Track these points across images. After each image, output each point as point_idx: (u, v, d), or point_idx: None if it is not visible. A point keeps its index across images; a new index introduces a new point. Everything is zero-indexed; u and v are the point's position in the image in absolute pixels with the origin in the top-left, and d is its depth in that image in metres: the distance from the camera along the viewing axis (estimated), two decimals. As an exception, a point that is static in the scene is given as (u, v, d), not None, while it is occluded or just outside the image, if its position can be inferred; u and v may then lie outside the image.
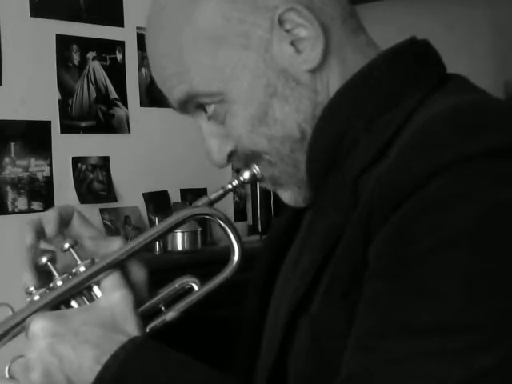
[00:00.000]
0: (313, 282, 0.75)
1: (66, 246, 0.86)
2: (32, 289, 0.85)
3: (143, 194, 3.02)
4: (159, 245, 2.82)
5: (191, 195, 3.14)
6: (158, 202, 3.05)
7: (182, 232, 2.82)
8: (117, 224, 2.88)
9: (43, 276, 0.87)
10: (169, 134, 3.07)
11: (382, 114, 0.77)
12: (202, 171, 3.12)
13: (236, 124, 0.81)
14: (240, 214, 3.24)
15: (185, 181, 3.13)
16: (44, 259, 0.86)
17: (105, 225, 2.85)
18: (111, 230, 2.82)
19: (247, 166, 0.85)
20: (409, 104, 0.77)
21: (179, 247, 2.84)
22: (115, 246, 0.88)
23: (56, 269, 0.86)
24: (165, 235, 0.88)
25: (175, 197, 3.10)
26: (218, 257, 2.73)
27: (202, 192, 3.17)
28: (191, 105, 0.84)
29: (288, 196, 0.85)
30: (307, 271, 0.76)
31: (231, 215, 3.10)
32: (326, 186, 0.80)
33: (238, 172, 0.87)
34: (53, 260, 0.87)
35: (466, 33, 3.57)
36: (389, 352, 0.64)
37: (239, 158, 0.85)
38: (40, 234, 0.89)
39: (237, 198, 3.30)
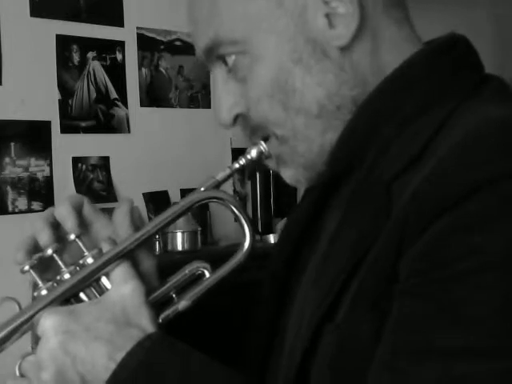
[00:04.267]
0: (340, 290, 0.73)
1: (72, 236, 0.83)
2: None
3: (143, 194, 3.02)
4: (159, 245, 2.82)
5: (191, 195, 3.14)
6: (158, 201, 3.05)
7: (182, 232, 2.82)
8: (117, 224, 2.88)
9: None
10: (169, 134, 3.07)
11: (415, 117, 0.76)
12: (202, 171, 3.12)
13: (255, 84, 0.78)
14: (240, 214, 3.24)
15: (185, 181, 3.13)
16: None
17: (105, 225, 2.85)
18: (111, 230, 2.82)
19: (254, 135, 0.82)
20: (444, 110, 0.75)
21: (179, 247, 2.83)
22: (122, 233, 0.85)
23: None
24: (172, 222, 0.85)
25: (175, 197, 3.10)
26: (218, 257, 2.74)
27: (202, 192, 3.17)
28: (215, 54, 0.81)
29: (290, 175, 0.82)
30: (335, 280, 0.74)
31: (231, 215, 3.09)
32: (354, 185, 0.78)
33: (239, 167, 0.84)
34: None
35: (466, 33, 3.57)
36: (418, 375, 0.63)
37: (246, 125, 0.82)
38: (54, 226, 0.85)
39: (237, 198, 3.30)
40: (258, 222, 3.26)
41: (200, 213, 3.07)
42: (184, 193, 3.14)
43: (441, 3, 3.56)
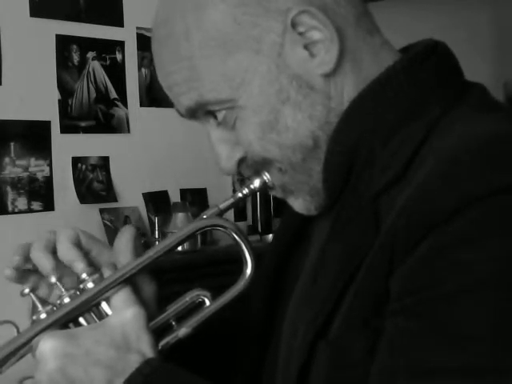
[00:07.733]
0: (332, 307, 0.74)
1: (84, 275, 0.82)
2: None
3: (143, 194, 3.02)
4: (159, 245, 2.81)
5: (191, 195, 3.14)
6: (157, 202, 3.05)
7: (182, 232, 2.81)
8: (117, 224, 2.88)
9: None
10: (169, 134, 3.07)
11: (399, 128, 0.75)
12: (202, 171, 3.12)
13: (246, 130, 0.79)
14: (240, 213, 3.24)
15: (185, 181, 3.13)
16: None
17: (105, 225, 2.84)
18: (111, 230, 2.82)
19: (257, 174, 0.82)
20: (428, 119, 0.75)
21: (179, 247, 2.83)
22: (123, 259, 0.84)
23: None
24: (174, 249, 0.86)
25: (175, 197, 3.10)
26: (217, 257, 2.74)
27: (201, 192, 3.16)
28: (200, 112, 0.82)
29: (299, 204, 0.83)
30: (328, 296, 0.74)
31: (231, 215, 3.09)
32: (341, 199, 0.78)
33: (239, 175, 0.85)
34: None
35: (466, 33, 3.57)
36: None
37: (248, 166, 0.82)
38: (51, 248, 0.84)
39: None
40: (258, 222, 3.26)
41: (199, 213, 3.06)
42: (184, 193, 3.14)
43: (441, 4, 3.56)
